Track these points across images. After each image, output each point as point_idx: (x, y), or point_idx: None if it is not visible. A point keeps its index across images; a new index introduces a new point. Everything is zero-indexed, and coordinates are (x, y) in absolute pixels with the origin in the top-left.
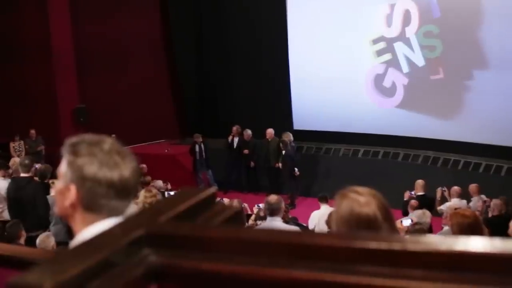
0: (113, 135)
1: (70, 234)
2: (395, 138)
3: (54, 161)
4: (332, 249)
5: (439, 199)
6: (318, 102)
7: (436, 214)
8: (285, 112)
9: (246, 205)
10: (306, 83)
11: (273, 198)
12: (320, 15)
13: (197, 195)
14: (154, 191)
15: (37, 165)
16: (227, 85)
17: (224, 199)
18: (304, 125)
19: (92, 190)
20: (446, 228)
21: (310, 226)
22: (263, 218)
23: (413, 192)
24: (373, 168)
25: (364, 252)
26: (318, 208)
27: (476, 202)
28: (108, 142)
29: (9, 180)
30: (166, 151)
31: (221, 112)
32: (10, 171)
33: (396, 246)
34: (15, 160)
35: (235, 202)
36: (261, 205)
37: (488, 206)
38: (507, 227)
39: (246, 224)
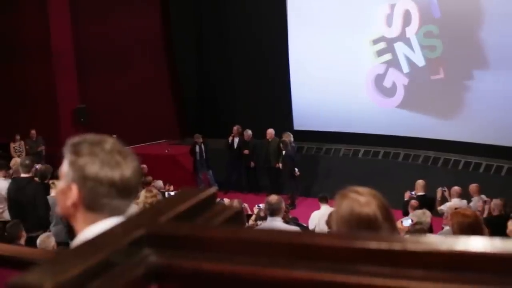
0: (114, 136)
1: (71, 234)
2: (395, 138)
3: (54, 161)
4: (333, 249)
5: (440, 199)
6: (318, 102)
7: (437, 214)
8: (285, 112)
9: (246, 205)
10: (306, 83)
11: (273, 198)
12: (320, 15)
13: (197, 195)
14: (155, 191)
15: (38, 166)
16: (227, 85)
17: (224, 199)
18: (305, 125)
19: (94, 190)
20: (446, 228)
21: (311, 226)
22: (264, 218)
23: (413, 192)
24: (374, 168)
25: (364, 252)
26: (319, 208)
27: (477, 202)
28: (110, 142)
29: (9, 181)
30: (166, 151)
31: (221, 112)
32: (11, 171)
33: (397, 246)
34: (16, 160)
35: (235, 203)
36: (262, 205)
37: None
38: (506, 227)
39: (247, 224)
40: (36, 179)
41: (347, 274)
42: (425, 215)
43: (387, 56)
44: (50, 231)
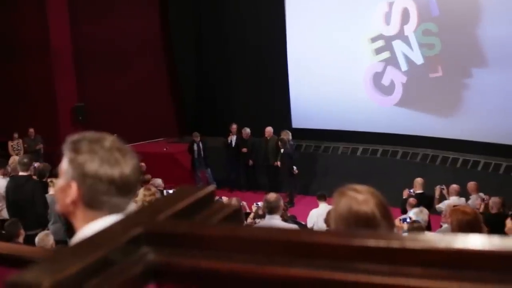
0: (115, 135)
1: (69, 232)
2: (393, 136)
3: (53, 159)
4: (331, 247)
5: (438, 197)
6: (316, 100)
7: (435, 212)
8: (284, 111)
9: (244, 203)
10: (305, 82)
11: (272, 196)
12: (319, 13)
13: (195, 193)
14: (153, 189)
15: (36, 164)
16: (226, 84)
17: (222, 197)
18: (303, 123)
19: (93, 187)
20: (445, 226)
21: (309, 224)
22: (262, 217)
23: (412, 190)
24: (372, 166)
25: (362, 250)
26: (317, 206)
27: (475, 200)
28: (109, 139)
29: (8, 179)
30: (164, 149)
31: (220, 110)
32: (9, 169)
33: (395, 244)
34: (14, 159)
35: (234, 201)
36: (260, 204)
37: (487, 204)
38: (505, 225)
39: (245, 222)
40: (35, 177)
41: (345, 272)
42: (422, 213)
43: (386, 54)
44: (48, 229)
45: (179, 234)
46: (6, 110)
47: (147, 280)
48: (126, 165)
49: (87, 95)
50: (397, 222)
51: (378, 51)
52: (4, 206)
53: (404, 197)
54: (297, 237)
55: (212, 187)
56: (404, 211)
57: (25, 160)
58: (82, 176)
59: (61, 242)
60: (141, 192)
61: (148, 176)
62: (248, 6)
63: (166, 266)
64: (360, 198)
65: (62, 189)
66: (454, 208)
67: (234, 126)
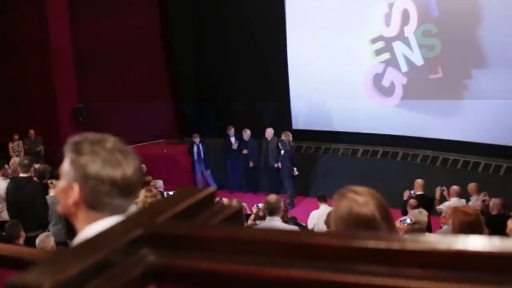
0: (118, 137)
1: (70, 234)
2: (394, 138)
3: (53, 161)
4: (331, 248)
5: (438, 198)
6: (317, 102)
7: (436, 213)
8: (284, 112)
9: (245, 204)
10: (305, 83)
11: (272, 197)
12: (319, 14)
13: (196, 194)
14: (154, 191)
15: (36, 165)
16: (226, 85)
17: (223, 198)
18: (303, 125)
19: (95, 189)
20: (445, 227)
21: (309, 226)
22: (262, 218)
23: (412, 192)
24: (372, 168)
25: (363, 252)
26: (317, 207)
27: (475, 201)
28: (111, 140)
29: (8, 180)
30: (165, 151)
31: (220, 112)
32: (9, 170)
33: (395, 245)
34: (14, 160)
35: (234, 202)
36: (260, 205)
37: (487, 204)
38: (505, 226)
39: (245, 224)
40: (35, 178)
41: (345, 273)
42: (421, 214)
43: (386, 55)
44: (49, 231)
45: (180, 235)
46: (6, 111)
47: (148, 281)
48: (128, 166)
49: (87, 95)
50: (397, 223)
51: (378, 52)
52: (5, 207)
53: (404, 199)
54: (298, 238)
55: (212, 189)
56: (405, 213)
57: (26, 161)
58: (84, 178)
59: (62, 243)
60: (142, 193)
61: (149, 178)
62: (248, 7)
63: (166, 267)
64: (361, 200)
65: (64, 190)
66: (456, 209)
67: (233, 130)
